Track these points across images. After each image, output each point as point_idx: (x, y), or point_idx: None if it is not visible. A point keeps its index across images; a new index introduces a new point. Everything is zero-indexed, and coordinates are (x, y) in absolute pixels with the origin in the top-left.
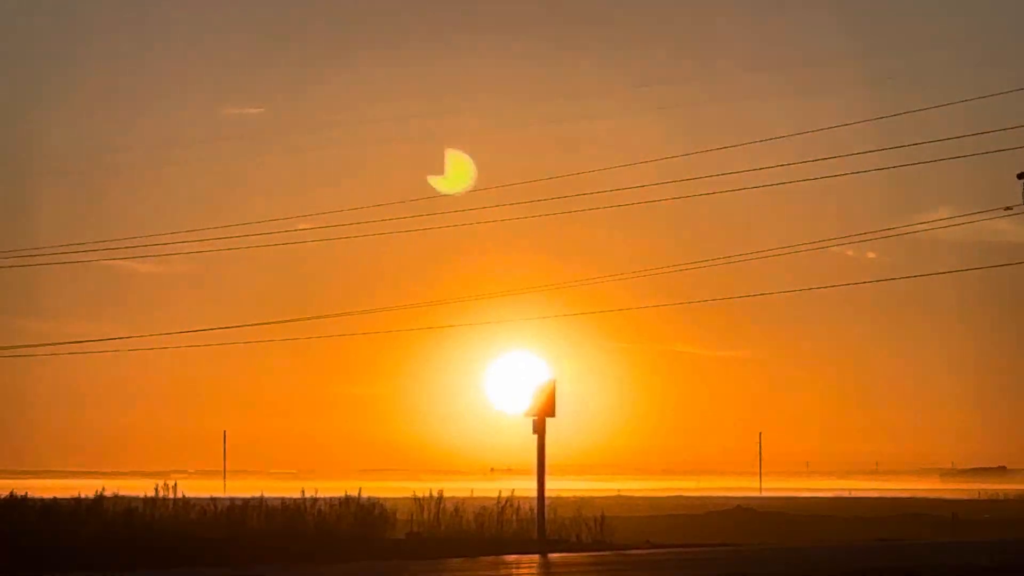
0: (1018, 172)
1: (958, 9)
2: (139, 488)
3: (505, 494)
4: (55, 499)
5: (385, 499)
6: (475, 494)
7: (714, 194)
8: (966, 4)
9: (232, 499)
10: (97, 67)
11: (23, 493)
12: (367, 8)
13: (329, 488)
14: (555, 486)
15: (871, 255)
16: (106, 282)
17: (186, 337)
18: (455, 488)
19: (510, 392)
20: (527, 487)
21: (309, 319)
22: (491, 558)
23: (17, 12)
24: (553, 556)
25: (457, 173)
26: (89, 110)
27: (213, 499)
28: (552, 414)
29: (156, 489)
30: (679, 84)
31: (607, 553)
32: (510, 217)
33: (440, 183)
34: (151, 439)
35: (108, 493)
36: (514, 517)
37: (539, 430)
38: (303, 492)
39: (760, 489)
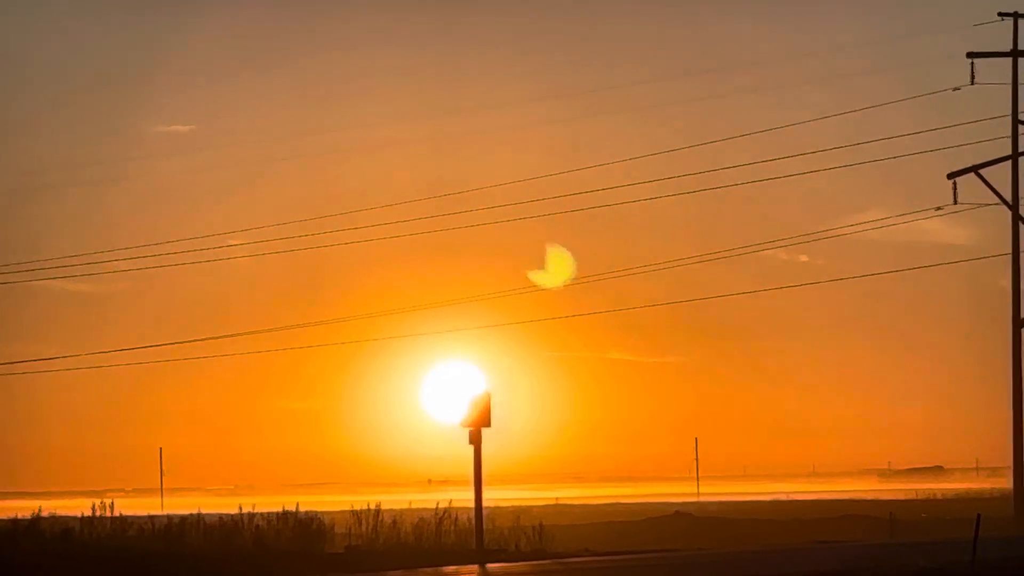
0: (948, 172)
1: (884, 12)
2: (76, 508)
3: (443, 505)
4: None
5: (323, 513)
6: (413, 506)
7: (644, 200)
8: (892, 7)
9: (170, 516)
10: (23, 86)
11: None
12: (298, 22)
13: (267, 503)
14: (493, 496)
15: (803, 258)
16: (38, 302)
17: (120, 355)
18: (393, 500)
19: (446, 403)
20: (465, 498)
21: (243, 335)
22: (430, 570)
23: None
24: (492, 566)
25: None
26: (17, 129)
27: (151, 517)
28: (488, 424)
29: (93, 508)
30: (600, 91)
31: (546, 562)
32: (448, 227)
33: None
34: (86, 458)
35: (45, 513)
36: (452, 528)
37: (475, 441)
38: (240, 508)
39: (698, 494)
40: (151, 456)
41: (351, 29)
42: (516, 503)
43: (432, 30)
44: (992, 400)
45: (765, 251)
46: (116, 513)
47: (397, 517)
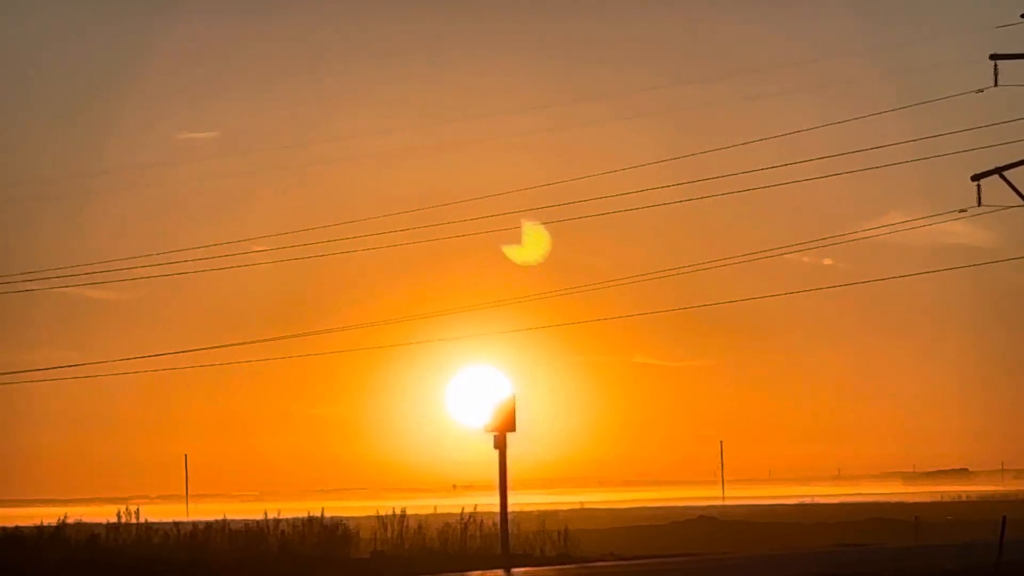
0: (972, 174)
1: (906, 14)
2: (101, 514)
3: (468, 510)
4: (17, 527)
5: (348, 518)
6: (438, 511)
7: (669, 204)
8: (915, 9)
9: (195, 523)
10: (45, 93)
11: None
12: (321, 28)
13: (292, 509)
14: (518, 500)
15: (827, 261)
16: (61, 309)
17: (144, 362)
18: (418, 505)
19: (471, 407)
20: (490, 502)
21: (267, 340)
22: (455, 575)
23: None
24: (517, 571)
25: None
26: (37, 136)
27: (176, 523)
28: (512, 429)
29: (118, 515)
30: (624, 95)
31: (571, 566)
32: (468, 232)
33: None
34: (112, 465)
35: (70, 520)
36: (478, 533)
37: (500, 445)
38: (266, 514)
39: (723, 498)
40: (176, 463)
41: (370, 35)
42: (541, 507)
43: (452, 35)
44: (1018, 402)
45: (789, 254)
46: (141, 520)
47: (422, 522)
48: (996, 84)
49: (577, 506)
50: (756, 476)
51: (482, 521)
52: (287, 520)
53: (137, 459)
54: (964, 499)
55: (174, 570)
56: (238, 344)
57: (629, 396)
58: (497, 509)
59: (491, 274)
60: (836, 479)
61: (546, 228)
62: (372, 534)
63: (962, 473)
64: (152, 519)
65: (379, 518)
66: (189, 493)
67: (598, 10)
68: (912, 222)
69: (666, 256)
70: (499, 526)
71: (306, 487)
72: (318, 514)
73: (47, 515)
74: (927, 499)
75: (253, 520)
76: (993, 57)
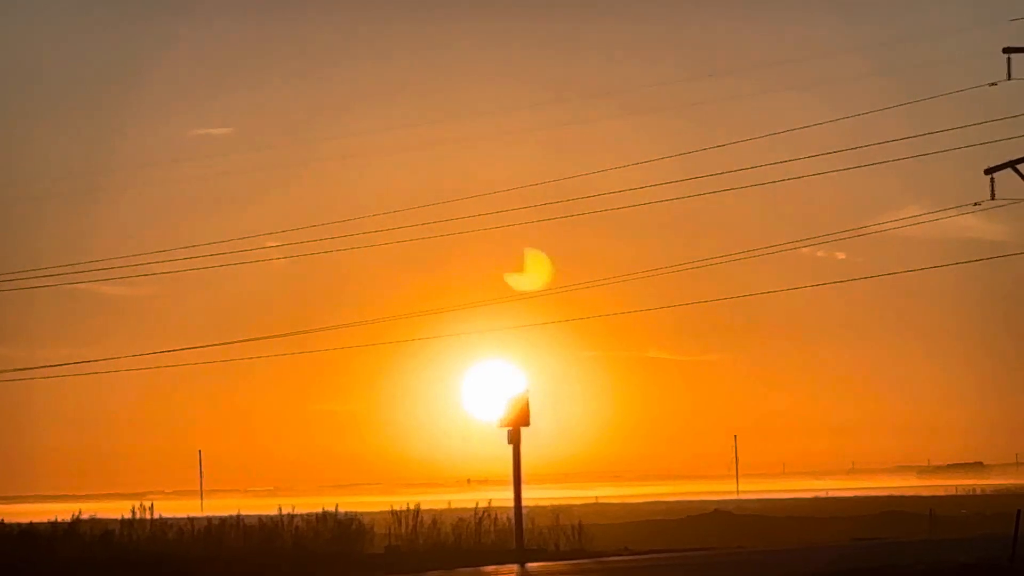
0: (986, 167)
1: (920, 7)
2: (116, 510)
3: (482, 505)
4: (31, 523)
5: (362, 514)
6: (452, 506)
7: (682, 199)
8: (928, 3)
9: (209, 518)
10: (61, 91)
11: None
12: (333, 26)
13: (306, 504)
14: (532, 495)
15: (841, 255)
16: (76, 305)
17: (158, 358)
18: (432, 500)
19: (486, 402)
20: (504, 497)
21: (282, 336)
22: (470, 569)
23: None
24: (532, 565)
25: None
26: (52, 134)
27: (190, 519)
28: (527, 424)
29: (133, 511)
30: (639, 90)
31: (586, 561)
32: (482, 227)
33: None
34: (127, 461)
35: (85, 516)
36: (492, 527)
37: (514, 440)
38: (280, 509)
39: (737, 492)
40: (191, 458)
41: (381, 33)
42: (555, 502)
43: (459, 34)
44: None
45: (802, 249)
46: (156, 515)
47: (437, 517)
48: (1009, 78)
49: (591, 501)
50: (770, 470)
51: (496, 516)
52: (301, 516)
53: (151, 455)
54: (978, 493)
55: (189, 565)
56: (251, 340)
57: (643, 391)
58: (511, 504)
59: (504, 269)
60: (850, 473)
61: (558, 223)
62: (386, 529)
63: (976, 467)
64: (166, 515)
65: (393, 513)
66: (203, 488)
67: (602, 9)
68: (925, 216)
69: (680, 251)
70: (513, 521)
71: (320, 482)
72: (332, 509)
73: (61, 511)
74: (941, 493)
75: (267, 516)
76: (1006, 51)
